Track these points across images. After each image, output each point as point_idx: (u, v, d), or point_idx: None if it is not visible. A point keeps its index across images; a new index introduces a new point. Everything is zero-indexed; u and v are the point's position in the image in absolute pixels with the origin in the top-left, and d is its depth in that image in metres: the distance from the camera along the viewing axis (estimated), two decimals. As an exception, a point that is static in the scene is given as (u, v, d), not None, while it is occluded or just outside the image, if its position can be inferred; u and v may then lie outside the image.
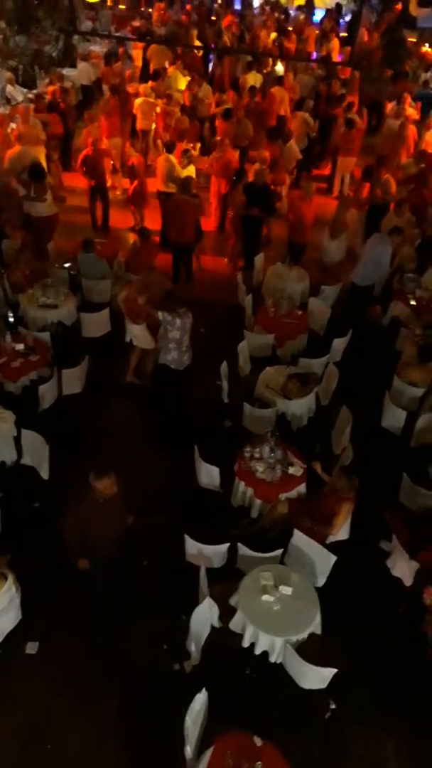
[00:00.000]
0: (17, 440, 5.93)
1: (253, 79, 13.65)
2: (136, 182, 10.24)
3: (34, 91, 13.40)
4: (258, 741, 3.82)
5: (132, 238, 9.81)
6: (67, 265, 8.51)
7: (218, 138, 10.80)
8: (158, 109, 12.23)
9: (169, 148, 10.01)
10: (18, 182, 9.47)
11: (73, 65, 15.15)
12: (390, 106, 13.20)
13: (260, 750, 3.77)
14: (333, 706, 4.65)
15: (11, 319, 7.24)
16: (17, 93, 13.39)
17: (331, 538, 5.29)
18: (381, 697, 4.75)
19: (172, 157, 9.89)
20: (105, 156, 10.68)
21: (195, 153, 11.02)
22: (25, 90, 13.66)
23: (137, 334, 7.19)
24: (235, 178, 9.88)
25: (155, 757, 4.30)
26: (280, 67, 14.67)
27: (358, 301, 8.44)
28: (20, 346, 6.82)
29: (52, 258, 8.99)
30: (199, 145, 11.68)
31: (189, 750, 3.85)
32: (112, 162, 11.60)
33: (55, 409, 6.58)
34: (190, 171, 9.86)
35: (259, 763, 3.65)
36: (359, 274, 8.35)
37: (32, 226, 9.21)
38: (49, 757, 4.32)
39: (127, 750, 4.38)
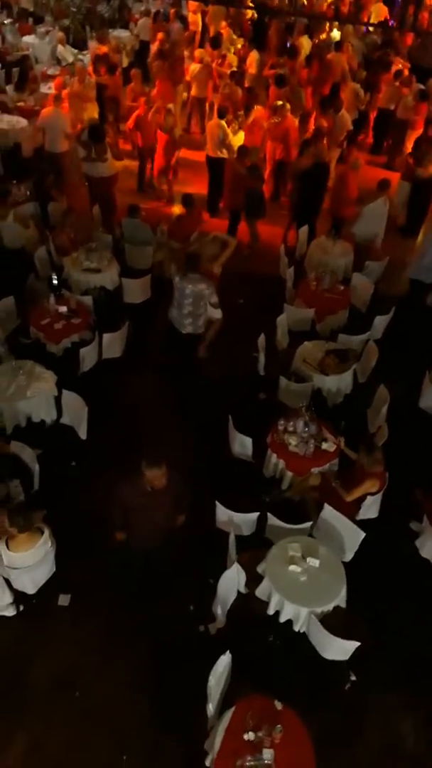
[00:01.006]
0: (58, 400, 6.08)
1: (306, 43, 13.26)
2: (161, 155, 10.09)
3: (85, 53, 13.29)
4: (279, 705, 3.92)
5: (177, 207, 9.77)
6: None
7: (278, 102, 10.51)
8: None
9: (221, 114, 9.85)
10: (78, 144, 9.55)
11: (125, 26, 14.97)
12: None
13: (280, 714, 3.87)
14: (353, 678, 4.73)
15: (55, 282, 7.33)
16: (68, 53, 13.32)
17: (360, 515, 5.31)
18: (402, 674, 4.80)
19: (224, 123, 9.75)
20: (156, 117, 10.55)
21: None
22: (75, 51, 13.57)
23: None
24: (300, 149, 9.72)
25: (178, 712, 4.46)
26: (336, 33, 14.21)
27: (418, 298, 8.01)
28: (63, 309, 6.91)
29: (96, 222, 9.04)
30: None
31: (211, 708, 3.97)
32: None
33: (94, 372, 6.69)
34: (240, 137, 9.74)
35: (279, 726, 3.75)
36: (417, 268, 7.91)
37: (93, 187, 9.32)
38: (77, 704, 4.52)
39: (152, 703, 4.55)
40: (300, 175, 9.10)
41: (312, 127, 10.55)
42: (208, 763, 3.92)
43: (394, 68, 12.41)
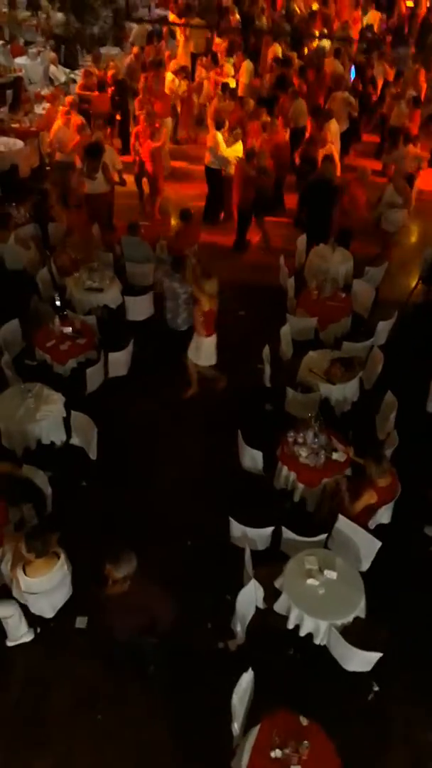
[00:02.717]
0: (66, 421, 6.09)
1: (278, 51, 13.37)
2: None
3: (77, 72, 13.42)
4: (304, 721, 3.90)
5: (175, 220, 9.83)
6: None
7: (267, 119, 10.59)
8: (181, 90, 12.30)
9: (218, 125, 9.92)
10: (79, 158, 9.71)
11: (118, 44, 15.08)
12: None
13: (306, 729, 3.85)
14: (376, 689, 4.71)
15: (58, 303, 7.36)
16: (60, 73, 13.44)
17: (372, 523, 5.29)
18: (425, 683, 4.78)
19: (219, 134, 9.84)
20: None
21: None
22: (67, 70, 13.69)
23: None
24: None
25: (202, 732, 4.43)
26: (326, 42, 14.30)
27: None
28: (68, 329, 6.93)
29: (97, 241, 9.09)
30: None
31: (236, 727, 3.96)
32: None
33: (101, 391, 6.70)
34: (237, 149, 9.83)
35: (306, 742, 3.73)
36: None
37: (88, 203, 9.45)
38: (100, 727, 4.50)
39: (176, 723, 4.53)
40: (309, 192, 9.18)
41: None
42: (235, 782, 3.91)
43: (379, 74, 12.53)
